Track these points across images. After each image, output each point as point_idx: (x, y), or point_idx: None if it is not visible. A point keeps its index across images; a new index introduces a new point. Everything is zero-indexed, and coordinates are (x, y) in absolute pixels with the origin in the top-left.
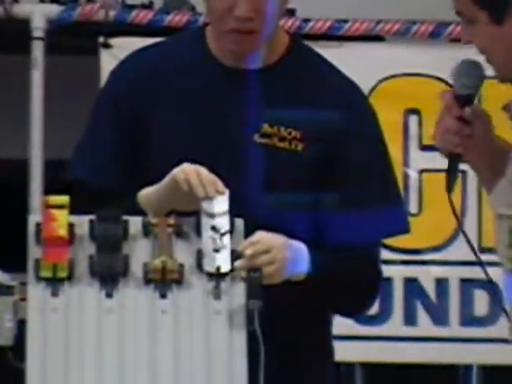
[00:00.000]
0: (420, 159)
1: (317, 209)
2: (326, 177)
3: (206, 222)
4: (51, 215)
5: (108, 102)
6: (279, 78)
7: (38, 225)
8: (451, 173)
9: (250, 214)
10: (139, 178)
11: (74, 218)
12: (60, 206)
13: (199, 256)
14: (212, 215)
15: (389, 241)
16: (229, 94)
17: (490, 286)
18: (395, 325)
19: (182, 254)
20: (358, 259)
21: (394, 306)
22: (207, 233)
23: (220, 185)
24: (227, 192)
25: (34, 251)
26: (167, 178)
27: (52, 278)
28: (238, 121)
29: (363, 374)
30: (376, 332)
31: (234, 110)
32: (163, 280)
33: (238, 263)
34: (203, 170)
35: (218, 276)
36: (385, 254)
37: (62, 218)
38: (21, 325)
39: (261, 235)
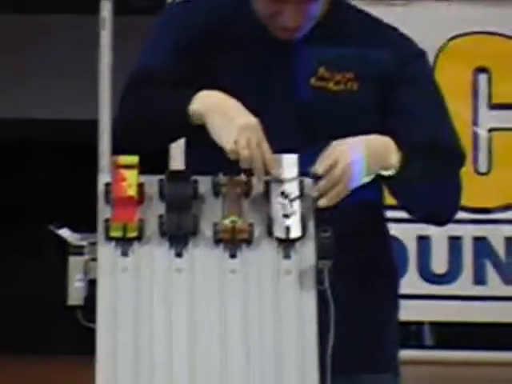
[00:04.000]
0: (489, 118)
1: None
2: (382, 115)
3: (275, 188)
4: (121, 175)
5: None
6: (328, 27)
7: (107, 185)
8: None
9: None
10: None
11: (144, 178)
12: (129, 166)
13: (269, 222)
14: (281, 181)
15: None
16: (283, 43)
17: None
18: (464, 284)
19: (252, 213)
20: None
21: (463, 265)
22: (276, 198)
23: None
24: (296, 156)
25: (103, 211)
26: (222, 136)
27: (122, 238)
28: (295, 65)
29: (432, 333)
30: (445, 291)
31: (290, 55)
32: (233, 240)
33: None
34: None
35: (288, 241)
36: None
37: (132, 177)
38: (91, 285)
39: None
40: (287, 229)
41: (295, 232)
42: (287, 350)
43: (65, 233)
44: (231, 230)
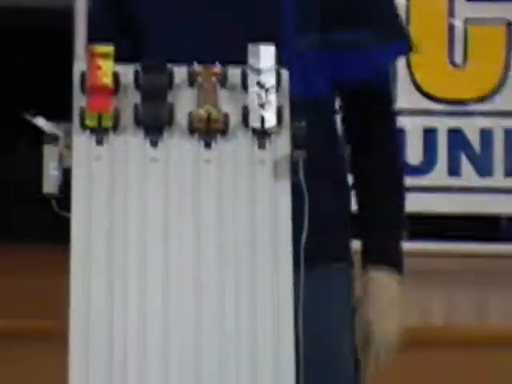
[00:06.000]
0: (465, 9)
1: (328, 45)
2: (335, 13)
3: (251, 78)
4: (96, 64)
5: None
6: None
7: (82, 74)
8: None
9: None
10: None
11: (119, 67)
12: (105, 55)
13: (245, 112)
14: (258, 70)
15: (432, 91)
16: None
17: None
18: (439, 175)
19: (228, 104)
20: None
21: (437, 156)
22: (253, 88)
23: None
24: (273, 46)
25: (78, 100)
26: None
27: (97, 127)
28: None
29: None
30: (419, 183)
31: None
32: (208, 129)
33: None
34: None
35: (262, 131)
36: (429, 105)
37: (107, 66)
38: (65, 173)
39: None
40: (262, 118)
41: (270, 122)
42: (261, 240)
43: (40, 121)
44: (206, 120)
